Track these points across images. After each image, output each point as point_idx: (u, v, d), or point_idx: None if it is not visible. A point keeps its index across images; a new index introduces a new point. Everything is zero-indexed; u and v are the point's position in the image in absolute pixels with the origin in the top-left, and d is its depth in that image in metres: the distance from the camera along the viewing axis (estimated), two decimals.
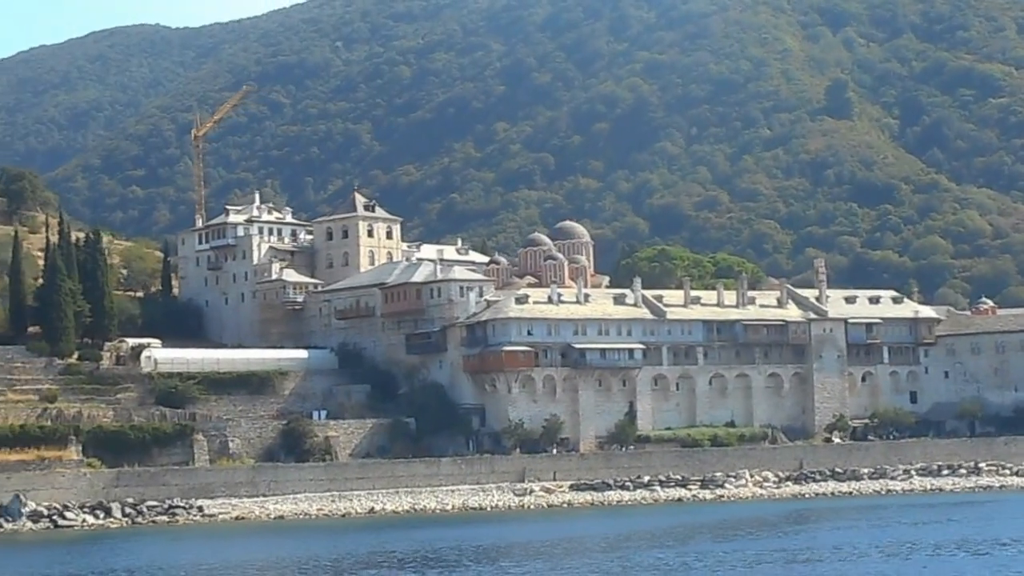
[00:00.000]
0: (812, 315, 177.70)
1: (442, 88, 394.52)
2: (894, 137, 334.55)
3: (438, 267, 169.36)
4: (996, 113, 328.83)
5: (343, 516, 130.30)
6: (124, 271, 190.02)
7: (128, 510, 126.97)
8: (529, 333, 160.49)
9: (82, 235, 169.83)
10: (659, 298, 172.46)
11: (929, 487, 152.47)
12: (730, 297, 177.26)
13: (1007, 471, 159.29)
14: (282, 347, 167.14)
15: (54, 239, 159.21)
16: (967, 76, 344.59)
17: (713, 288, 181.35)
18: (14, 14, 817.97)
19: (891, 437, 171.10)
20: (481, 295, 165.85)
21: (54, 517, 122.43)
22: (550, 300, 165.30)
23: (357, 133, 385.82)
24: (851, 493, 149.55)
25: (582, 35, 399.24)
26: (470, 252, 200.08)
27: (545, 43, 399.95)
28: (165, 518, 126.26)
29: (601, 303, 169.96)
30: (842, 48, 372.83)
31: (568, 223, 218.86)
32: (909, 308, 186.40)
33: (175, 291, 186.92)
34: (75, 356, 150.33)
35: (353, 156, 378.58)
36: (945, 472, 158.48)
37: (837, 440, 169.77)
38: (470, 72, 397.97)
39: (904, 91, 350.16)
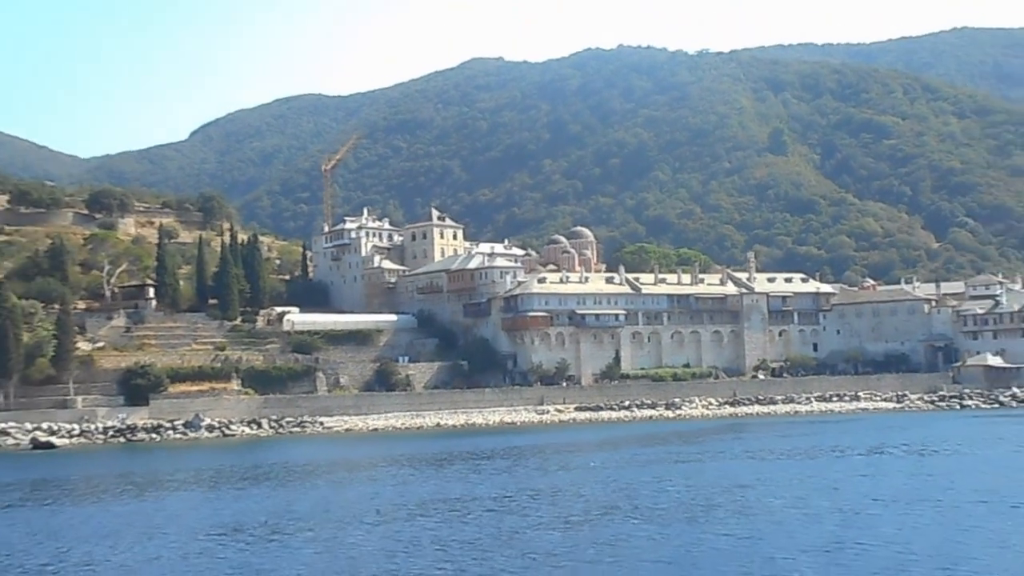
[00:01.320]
0: (743, 290, 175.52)
1: (507, 136, 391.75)
2: (816, 167, 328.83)
3: (486, 258, 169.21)
4: (888, 151, 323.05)
5: (419, 428, 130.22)
6: (278, 261, 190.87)
7: (273, 424, 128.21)
8: (546, 303, 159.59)
9: (246, 237, 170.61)
10: (637, 279, 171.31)
11: (824, 409, 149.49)
12: (686, 278, 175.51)
13: (878, 398, 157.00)
14: (380, 313, 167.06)
15: (227, 240, 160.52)
16: (868, 125, 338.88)
17: (675, 272, 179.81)
18: (221, 88, 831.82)
19: (798, 375, 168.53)
20: (515, 277, 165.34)
21: (223, 429, 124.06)
22: (561, 281, 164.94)
23: (450, 167, 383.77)
24: (770, 414, 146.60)
25: (602, 99, 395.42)
26: (514, 248, 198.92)
27: (577, 104, 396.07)
28: (298, 429, 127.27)
29: (596, 283, 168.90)
30: (781, 106, 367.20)
31: (579, 228, 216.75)
32: (813, 285, 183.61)
33: (310, 275, 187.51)
34: (239, 319, 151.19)
35: (447, 183, 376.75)
36: (835, 399, 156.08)
37: (760, 377, 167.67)
38: (526, 125, 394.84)
39: (823, 136, 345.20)
